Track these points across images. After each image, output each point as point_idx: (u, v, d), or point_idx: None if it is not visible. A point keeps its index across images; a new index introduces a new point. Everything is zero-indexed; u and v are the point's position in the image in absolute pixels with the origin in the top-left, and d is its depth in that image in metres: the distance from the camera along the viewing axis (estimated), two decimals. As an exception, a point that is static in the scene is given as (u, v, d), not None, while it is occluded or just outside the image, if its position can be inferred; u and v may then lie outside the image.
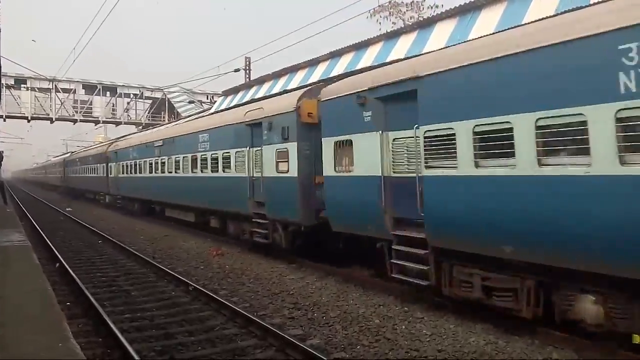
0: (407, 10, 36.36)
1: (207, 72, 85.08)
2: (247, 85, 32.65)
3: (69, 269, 11.40)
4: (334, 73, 20.70)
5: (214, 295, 9.10)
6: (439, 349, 6.54)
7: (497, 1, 16.40)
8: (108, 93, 47.60)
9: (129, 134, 39.01)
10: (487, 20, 16.17)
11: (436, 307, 8.13)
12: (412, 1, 35.90)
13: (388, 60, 15.72)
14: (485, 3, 16.81)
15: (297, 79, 25.94)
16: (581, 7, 6.63)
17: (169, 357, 6.46)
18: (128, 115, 48.51)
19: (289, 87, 22.62)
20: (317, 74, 24.04)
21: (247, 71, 34.36)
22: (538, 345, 6.43)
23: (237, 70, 33.60)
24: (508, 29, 7.68)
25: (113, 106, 48.10)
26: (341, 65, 22.57)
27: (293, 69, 27.20)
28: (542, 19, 7.27)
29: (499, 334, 6.87)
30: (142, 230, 19.70)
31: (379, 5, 22.93)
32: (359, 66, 19.44)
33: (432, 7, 34.63)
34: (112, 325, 7.32)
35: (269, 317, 8.08)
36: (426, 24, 19.60)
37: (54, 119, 44.62)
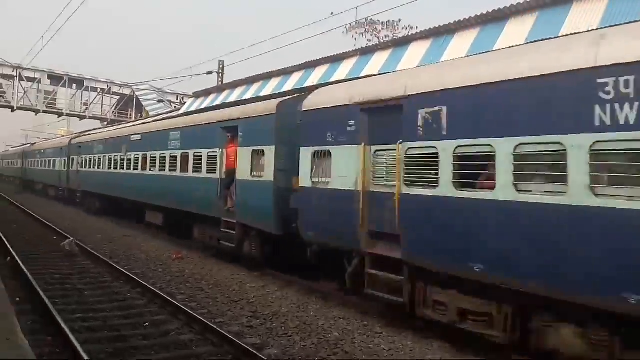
0: (382, 29, 37.06)
1: (179, 72, 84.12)
2: (219, 89, 32.40)
3: (20, 262, 10.98)
4: (308, 84, 20.77)
5: (170, 299, 8.92)
6: (396, 364, 6.58)
7: (470, 26, 16.88)
8: (74, 85, 46.35)
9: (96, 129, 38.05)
10: (460, 45, 16.60)
11: (396, 323, 8.18)
12: (388, 20, 36.65)
13: (362, 74, 15.88)
14: (458, 27, 17.27)
15: (271, 86, 25.92)
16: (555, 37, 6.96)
17: (120, 361, 6.28)
18: (93, 109, 47.22)
19: (261, 94, 22.56)
20: (291, 82, 24.09)
21: (220, 74, 34.09)
22: (492, 365, 6.55)
23: (209, 73, 33.30)
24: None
25: (88, 101, 46.58)
26: (315, 76, 22.69)
27: (267, 77, 27.17)
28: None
29: (454, 352, 6.95)
30: (101, 229, 19.16)
31: (356, 22, 23.27)
32: (333, 79, 19.59)
33: (407, 28, 35.42)
34: (62, 324, 7.06)
35: (226, 324, 7.95)
36: (401, 43, 19.97)
37: (15, 108, 43.08)
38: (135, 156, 18.65)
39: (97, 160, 23.46)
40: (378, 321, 8.29)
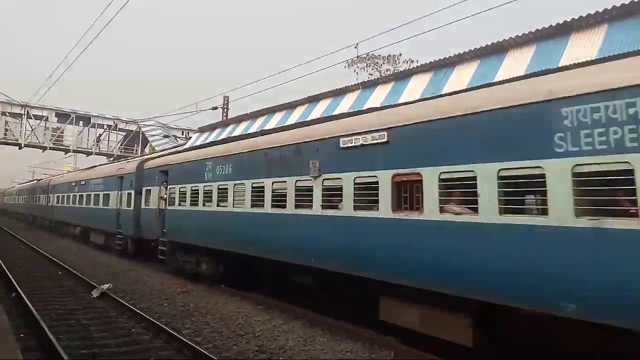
0: (383, 63, 37.72)
1: (184, 108, 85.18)
2: (224, 124, 32.82)
3: (25, 298, 10.96)
4: (311, 117, 21.05)
5: (176, 334, 8.84)
6: (405, 397, 6.45)
7: (470, 60, 17.19)
8: (81, 122, 47.03)
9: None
10: (460, 77, 16.88)
11: (404, 356, 8.07)
12: (389, 55, 37.33)
13: (364, 107, 16.10)
14: (458, 60, 17.60)
15: (275, 120, 26.26)
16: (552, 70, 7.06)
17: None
18: (100, 145, 47.80)
19: (265, 128, 22.82)
20: (295, 117, 24.41)
21: (225, 110, 34.60)
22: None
23: (214, 109, 33.83)
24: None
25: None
26: (318, 110, 23.01)
27: (270, 111, 27.55)
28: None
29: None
30: (106, 264, 19.13)
31: (357, 57, 23.73)
32: (336, 112, 19.86)
33: (407, 62, 36.06)
34: (67, 360, 7.01)
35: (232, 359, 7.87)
36: (402, 76, 20.31)
37: (23, 145, 43.63)
38: (359, 180, 8.67)
39: (215, 192, 13.18)
40: (386, 353, 8.19)
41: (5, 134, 43.02)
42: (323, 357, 8.07)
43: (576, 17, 14.10)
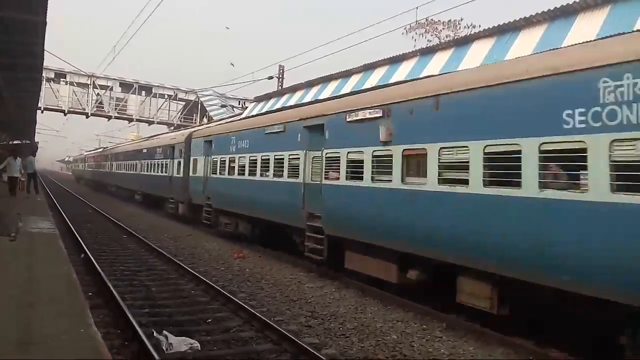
0: (443, 29, 36.34)
1: (240, 77, 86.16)
2: (280, 93, 32.99)
3: (93, 260, 11.61)
4: (367, 85, 20.72)
5: (232, 297, 9.13)
6: (457, 369, 6.40)
7: (537, 23, 16.25)
8: (143, 92, 48.67)
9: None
10: (526, 42, 16.02)
11: (456, 328, 7.98)
12: (449, 20, 35.89)
13: (422, 75, 15.64)
14: (524, 24, 16.67)
15: (329, 89, 26.08)
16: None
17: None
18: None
19: (320, 97, 22.73)
20: (350, 85, 24.13)
21: (280, 79, 34.70)
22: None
23: (270, 78, 33.98)
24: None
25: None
26: (374, 78, 22.61)
27: (325, 80, 27.37)
28: None
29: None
30: (167, 228, 19.95)
31: (416, 22, 22.97)
32: (392, 80, 19.42)
33: (469, 27, 34.55)
34: (131, 318, 7.39)
35: (285, 323, 8.05)
36: (463, 42, 19.53)
37: (89, 114, 45.80)
38: None
39: None
40: (438, 325, 8.13)
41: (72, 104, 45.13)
42: (374, 325, 8.11)
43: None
